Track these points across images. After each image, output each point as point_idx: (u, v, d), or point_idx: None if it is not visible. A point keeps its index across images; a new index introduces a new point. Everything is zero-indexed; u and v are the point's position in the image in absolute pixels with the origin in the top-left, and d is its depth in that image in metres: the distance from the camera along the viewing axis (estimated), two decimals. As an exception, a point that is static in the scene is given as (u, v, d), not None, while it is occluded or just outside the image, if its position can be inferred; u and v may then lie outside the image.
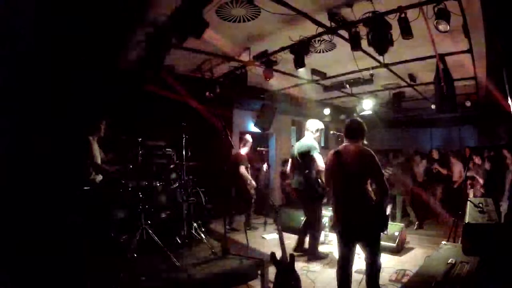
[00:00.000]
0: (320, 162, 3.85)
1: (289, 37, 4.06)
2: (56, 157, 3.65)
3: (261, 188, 7.20)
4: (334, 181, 2.74)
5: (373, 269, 2.65)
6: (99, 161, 3.55)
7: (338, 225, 2.71)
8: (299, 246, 4.28)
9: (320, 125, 4.18)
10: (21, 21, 3.05)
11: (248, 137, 5.65)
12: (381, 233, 2.70)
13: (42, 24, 3.14)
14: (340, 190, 2.68)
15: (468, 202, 2.91)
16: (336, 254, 3.16)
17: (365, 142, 2.83)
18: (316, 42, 4.15)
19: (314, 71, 5.66)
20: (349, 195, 2.60)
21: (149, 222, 3.19)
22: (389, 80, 6.33)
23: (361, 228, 2.56)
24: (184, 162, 3.65)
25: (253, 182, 5.40)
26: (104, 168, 3.55)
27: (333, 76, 6.01)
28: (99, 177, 3.61)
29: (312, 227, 4.10)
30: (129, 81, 4.67)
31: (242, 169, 5.30)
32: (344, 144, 2.79)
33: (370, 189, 2.65)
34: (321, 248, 4.32)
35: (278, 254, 2.87)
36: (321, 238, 4.70)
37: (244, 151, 5.55)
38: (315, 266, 3.92)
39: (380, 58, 4.82)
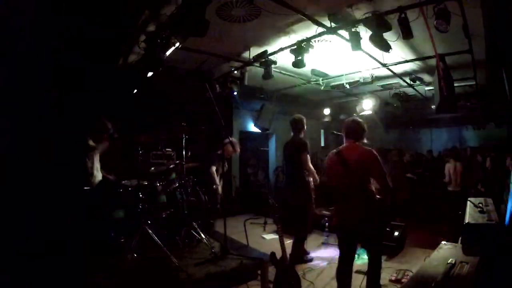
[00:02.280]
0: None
1: (289, 37, 4.06)
2: (56, 157, 3.65)
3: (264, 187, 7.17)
4: (337, 181, 2.74)
5: (375, 269, 2.66)
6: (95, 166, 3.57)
7: (340, 226, 2.71)
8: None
9: (298, 117, 4.12)
10: (21, 21, 3.05)
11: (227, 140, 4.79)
12: (383, 233, 2.71)
13: (42, 24, 3.13)
14: (343, 189, 2.67)
15: (468, 202, 2.91)
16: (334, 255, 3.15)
17: (365, 141, 2.82)
18: (316, 42, 4.15)
19: (314, 71, 5.66)
20: (353, 194, 2.60)
21: (149, 222, 3.19)
22: (389, 80, 6.33)
23: (364, 228, 2.56)
24: (184, 162, 3.65)
25: (220, 187, 4.75)
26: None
27: (333, 76, 6.01)
28: (99, 178, 3.61)
29: (302, 229, 4.04)
30: (130, 81, 4.67)
31: (213, 169, 4.70)
32: (344, 144, 2.79)
33: (373, 188, 2.65)
34: (324, 249, 4.33)
35: (278, 254, 2.87)
36: (323, 238, 4.71)
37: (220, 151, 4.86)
38: (315, 266, 3.93)
39: (380, 58, 4.83)
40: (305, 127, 4.13)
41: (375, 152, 2.63)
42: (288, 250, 2.90)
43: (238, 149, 4.41)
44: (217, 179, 4.76)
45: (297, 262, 3.87)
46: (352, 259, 2.70)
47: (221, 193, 4.81)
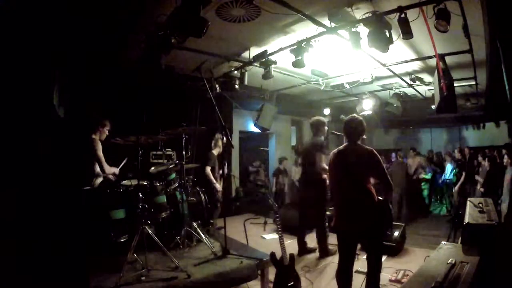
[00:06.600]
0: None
1: (288, 37, 4.06)
2: (57, 157, 3.65)
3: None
4: (337, 181, 2.73)
5: (374, 269, 2.65)
6: (104, 162, 3.56)
7: (340, 226, 2.71)
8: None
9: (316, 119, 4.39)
10: (23, 22, 3.06)
11: (218, 136, 4.96)
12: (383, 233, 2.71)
13: (44, 24, 3.14)
14: (343, 190, 2.67)
15: (468, 202, 2.91)
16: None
17: (364, 137, 2.82)
18: (316, 42, 4.14)
19: (314, 71, 5.66)
20: (353, 195, 2.60)
21: (149, 222, 3.18)
22: (389, 80, 6.33)
23: (364, 228, 2.55)
24: (184, 162, 3.65)
25: (217, 185, 4.83)
26: (108, 171, 3.58)
27: (333, 76, 6.01)
28: (99, 178, 3.61)
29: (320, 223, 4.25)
30: (129, 81, 4.67)
31: (208, 169, 4.79)
32: (345, 143, 2.79)
33: (372, 188, 2.65)
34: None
35: (278, 254, 2.86)
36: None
37: (216, 151, 5.01)
38: (315, 266, 3.93)
39: (380, 58, 4.82)
40: (326, 128, 4.36)
41: (375, 152, 2.63)
42: (288, 250, 2.89)
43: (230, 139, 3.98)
44: (213, 179, 4.80)
45: (324, 255, 4.20)
46: (352, 260, 2.69)
47: (221, 192, 4.91)
